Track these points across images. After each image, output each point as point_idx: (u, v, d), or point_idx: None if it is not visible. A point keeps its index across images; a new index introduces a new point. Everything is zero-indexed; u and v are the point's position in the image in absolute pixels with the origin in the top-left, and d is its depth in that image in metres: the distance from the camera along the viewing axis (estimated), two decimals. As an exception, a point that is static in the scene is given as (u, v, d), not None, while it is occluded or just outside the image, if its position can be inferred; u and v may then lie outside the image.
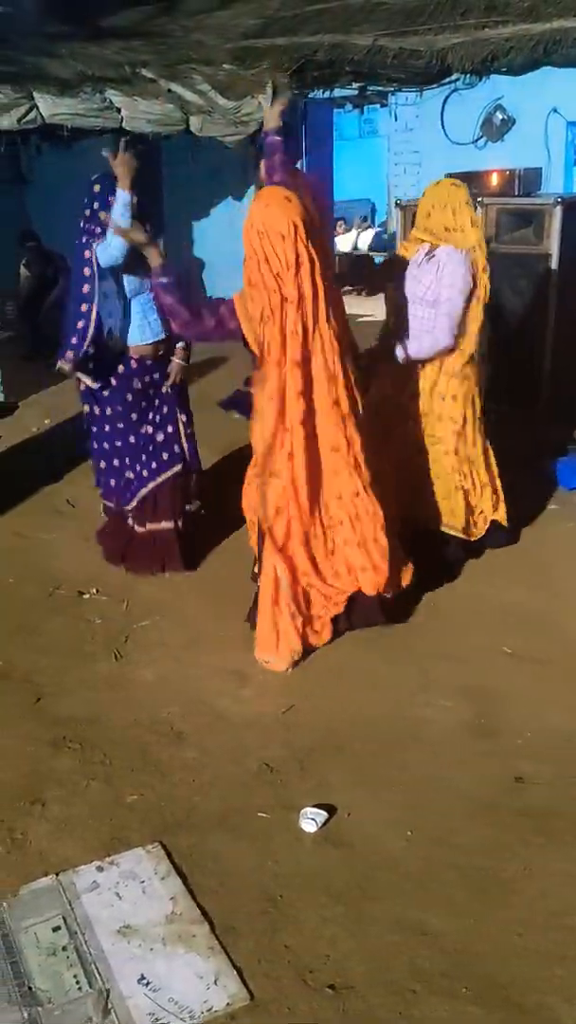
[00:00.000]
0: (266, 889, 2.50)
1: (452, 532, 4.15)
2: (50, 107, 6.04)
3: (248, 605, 3.80)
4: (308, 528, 3.46)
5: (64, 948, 2.30)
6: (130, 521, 4.28)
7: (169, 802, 2.83)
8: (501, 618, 3.87)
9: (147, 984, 2.20)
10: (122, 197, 3.74)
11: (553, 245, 5.97)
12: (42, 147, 7.63)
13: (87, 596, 4.11)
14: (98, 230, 3.86)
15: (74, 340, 3.95)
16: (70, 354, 3.95)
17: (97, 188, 3.90)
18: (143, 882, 2.50)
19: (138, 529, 4.25)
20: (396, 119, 7.53)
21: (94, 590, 4.15)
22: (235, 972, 2.23)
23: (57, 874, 2.53)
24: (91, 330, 3.93)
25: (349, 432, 3.39)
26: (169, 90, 6.65)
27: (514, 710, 3.27)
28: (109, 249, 3.80)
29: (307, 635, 3.56)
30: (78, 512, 4.98)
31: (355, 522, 3.48)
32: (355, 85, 7.34)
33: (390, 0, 6.84)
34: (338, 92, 7.59)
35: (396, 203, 7.01)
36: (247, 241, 3.21)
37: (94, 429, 4.24)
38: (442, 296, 3.83)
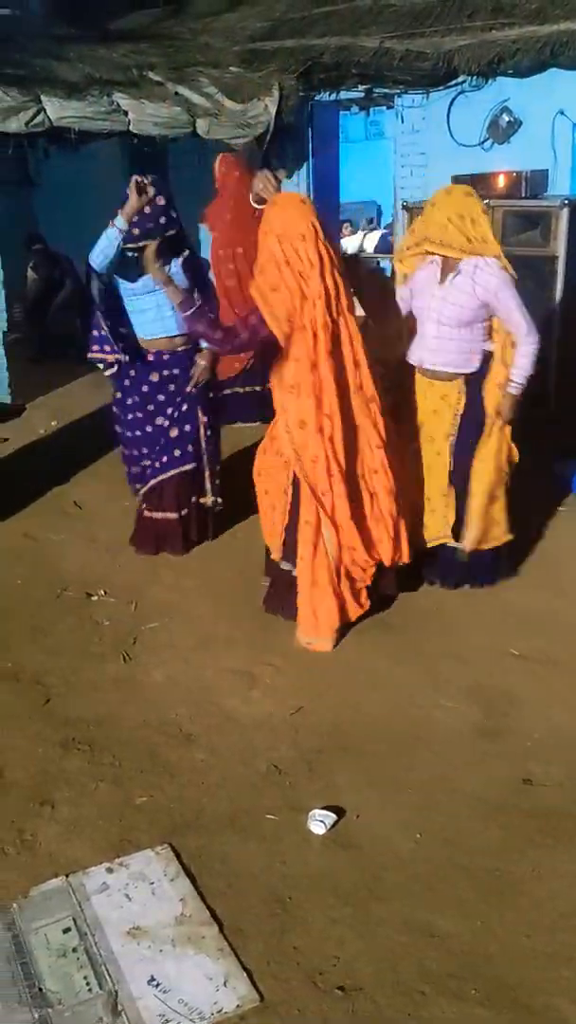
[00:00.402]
0: (275, 890, 2.50)
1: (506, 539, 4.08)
2: (57, 110, 6.05)
3: (257, 603, 3.88)
4: (350, 503, 3.56)
5: (74, 949, 2.31)
6: (142, 504, 4.47)
7: (178, 803, 2.84)
8: (508, 619, 3.87)
9: (157, 985, 2.21)
10: (117, 221, 3.92)
11: (560, 247, 5.97)
12: (49, 150, 7.63)
13: (95, 598, 4.12)
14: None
15: (106, 333, 4.14)
16: (108, 347, 4.15)
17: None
18: (152, 883, 2.51)
19: (146, 513, 4.46)
20: (402, 121, 7.47)
21: (102, 592, 4.17)
22: (244, 974, 2.24)
23: (67, 875, 2.54)
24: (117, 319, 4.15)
25: (373, 414, 3.54)
26: (176, 93, 6.65)
27: (522, 711, 3.28)
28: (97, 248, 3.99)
29: (346, 609, 3.65)
30: (85, 514, 5.00)
31: (375, 498, 3.62)
32: (361, 87, 7.31)
33: (397, 2, 6.84)
34: (344, 94, 7.56)
35: (403, 205, 7.01)
36: (265, 246, 3.31)
37: (118, 415, 4.43)
38: (501, 315, 3.71)
